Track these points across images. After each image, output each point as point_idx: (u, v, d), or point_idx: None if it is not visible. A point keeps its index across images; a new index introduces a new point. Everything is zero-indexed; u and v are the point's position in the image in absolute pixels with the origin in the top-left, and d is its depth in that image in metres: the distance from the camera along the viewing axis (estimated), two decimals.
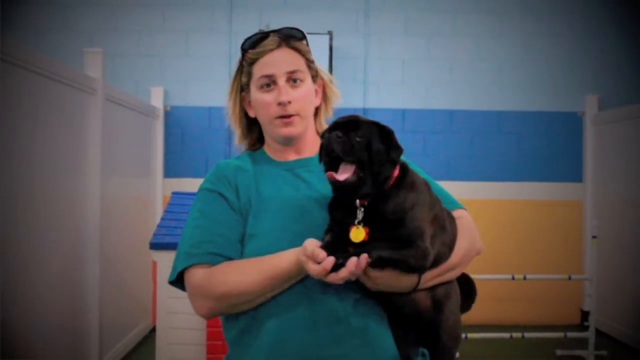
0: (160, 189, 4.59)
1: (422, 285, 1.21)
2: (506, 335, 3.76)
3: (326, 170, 1.18)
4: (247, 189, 1.34)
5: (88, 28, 4.66)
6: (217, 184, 1.35)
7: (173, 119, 4.69)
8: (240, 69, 1.42)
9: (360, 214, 1.16)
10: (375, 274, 1.17)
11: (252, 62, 1.37)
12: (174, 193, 3.20)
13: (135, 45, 4.70)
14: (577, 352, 3.83)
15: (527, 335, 3.76)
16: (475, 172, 4.71)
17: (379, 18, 4.75)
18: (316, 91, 1.42)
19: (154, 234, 2.82)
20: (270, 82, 1.34)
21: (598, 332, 3.96)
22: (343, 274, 1.09)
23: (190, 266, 1.27)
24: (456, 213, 1.35)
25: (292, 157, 1.40)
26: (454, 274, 1.29)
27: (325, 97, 1.45)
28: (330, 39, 4.52)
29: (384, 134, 1.19)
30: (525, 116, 4.74)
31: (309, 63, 1.39)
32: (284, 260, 1.20)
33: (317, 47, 5.00)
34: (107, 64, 3.47)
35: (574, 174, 4.74)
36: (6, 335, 2.27)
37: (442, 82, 4.75)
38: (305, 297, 1.23)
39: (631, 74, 4.75)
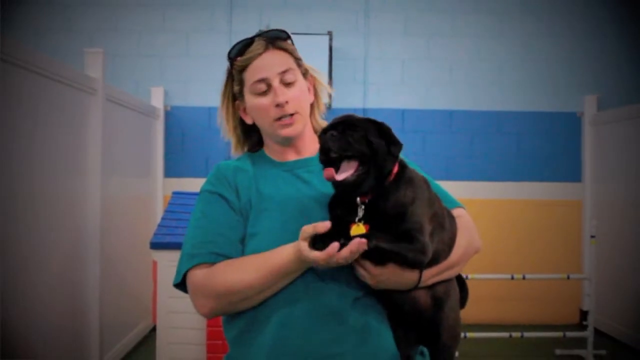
0: (161, 189, 4.59)
1: (423, 283, 1.21)
2: (505, 334, 3.76)
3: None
4: (248, 190, 1.34)
5: (88, 28, 4.66)
6: (217, 186, 1.36)
7: (173, 119, 4.69)
8: (229, 78, 1.41)
9: (360, 212, 1.17)
10: (377, 270, 1.17)
11: (242, 69, 1.37)
12: (175, 193, 3.20)
13: (136, 46, 4.70)
14: (576, 352, 3.83)
15: (527, 334, 3.76)
16: (475, 172, 4.71)
17: (378, 18, 4.75)
18: (308, 88, 1.42)
19: (155, 234, 2.82)
20: (265, 87, 1.34)
21: (597, 332, 3.96)
22: (344, 253, 1.09)
23: (191, 267, 1.27)
24: (455, 212, 1.35)
25: (292, 157, 1.40)
26: (453, 273, 1.29)
27: (316, 93, 1.45)
28: (330, 39, 4.52)
29: (382, 130, 1.20)
30: (525, 116, 4.74)
31: (298, 61, 1.39)
32: (282, 255, 1.20)
33: (317, 48, 4.99)
34: (107, 64, 3.47)
35: (573, 174, 4.74)
36: (6, 335, 2.27)
37: (441, 82, 4.75)
38: (305, 296, 1.23)
39: (630, 75, 4.75)
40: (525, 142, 4.74)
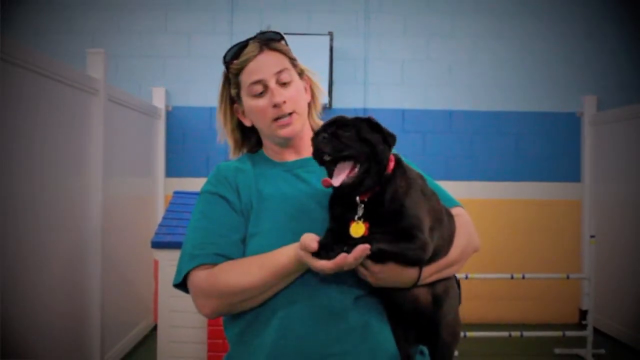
0: (162, 189, 4.59)
1: (422, 280, 1.21)
2: (505, 334, 3.76)
3: (328, 175, 1.19)
4: (248, 190, 1.34)
5: (90, 29, 4.66)
6: (217, 186, 1.35)
7: (174, 119, 4.69)
8: (226, 82, 1.41)
9: (360, 210, 1.16)
10: (377, 268, 1.17)
11: (238, 73, 1.37)
12: (176, 192, 3.20)
13: (137, 46, 4.70)
14: (576, 351, 3.83)
15: (526, 334, 3.76)
16: (474, 172, 4.71)
17: (378, 19, 4.75)
18: (305, 88, 1.42)
19: (156, 233, 2.82)
20: (262, 89, 1.34)
21: (596, 331, 3.96)
22: (349, 260, 1.09)
23: (193, 268, 1.27)
24: (454, 211, 1.35)
25: (291, 157, 1.40)
26: (452, 271, 1.29)
27: (313, 93, 1.45)
28: (331, 40, 4.52)
29: (373, 125, 1.19)
30: (524, 116, 4.74)
31: (293, 61, 1.39)
32: (283, 256, 1.20)
33: (318, 48, 5.01)
34: (109, 65, 3.47)
35: (573, 174, 4.74)
36: (7, 334, 2.27)
37: (441, 83, 4.75)
38: (306, 295, 1.23)
39: (629, 75, 4.74)
40: (524, 142, 4.74)
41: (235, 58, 1.37)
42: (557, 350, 3.87)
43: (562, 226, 4.71)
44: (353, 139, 1.15)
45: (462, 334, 3.62)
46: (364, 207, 1.16)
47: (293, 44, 1.43)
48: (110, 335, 3.42)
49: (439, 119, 4.72)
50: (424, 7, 4.76)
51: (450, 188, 1.46)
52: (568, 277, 3.86)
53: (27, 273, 2.48)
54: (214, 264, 1.26)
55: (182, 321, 2.79)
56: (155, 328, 3.76)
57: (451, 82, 4.75)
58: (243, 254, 1.28)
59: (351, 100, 4.66)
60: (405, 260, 1.17)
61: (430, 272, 1.22)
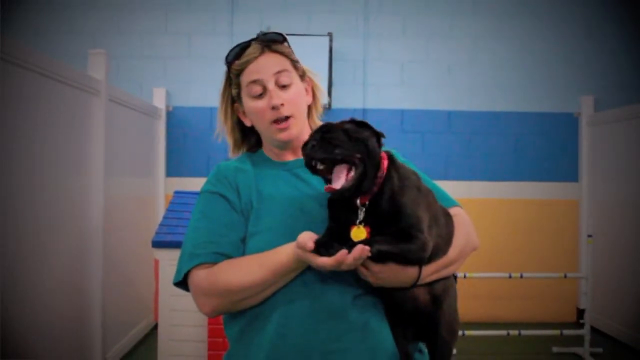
0: (163, 188, 4.59)
1: (422, 280, 1.21)
2: (503, 332, 3.76)
3: (325, 182, 1.19)
4: (248, 189, 1.34)
5: (91, 30, 4.66)
6: (218, 186, 1.35)
7: (175, 119, 4.69)
8: (228, 81, 1.41)
9: (361, 214, 1.16)
10: (377, 268, 1.17)
11: (239, 73, 1.37)
12: (176, 192, 3.20)
13: (138, 47, 4.70)
14: (573, 349, 3.83)
15: (524, 332, 3.76)
16: (473, 171, 4.71)
17: (378, 20, 4.75)
18: (306, 89, 1.42)
19: (156, 233, 2.82)
20: (261, 90, 1.34)
21: (593, 330, 3.97)
22: (349, 260, 1.09)
23: (193, 267, 1.27)
24: (452, 210, 1.35)
25: (290, 157, 1.40)
26: (451, 270, 1.29)
27: (314, 95, 1.45)
28: (330, 41, 4.52)
29: (359, 124, 1.19)
30: (523, 117, 4.74)
31: (295, 63, 1.39)
32: (282, 254, 1.20)
33: (318, 49, 5.00)
34: (110, 66, 3.47)
35: (570, 174, 4.74)
36: (8, 334, 2.27)
37: (440, 83, 4.75)
38: (305, 293, 1.23)
39: (627, 76, 4.75)
40: (523, 142, 4.74)
41: (236, 58, 1.37)
42: (555, 349, 3.88)
43: (559, 226, 4.71)
44: (343, 139, 1.15)
45: (461, 332, 3.62)
46: (365, 211, 1.16)
47: (293, 44, 1.42)
48: (111, 334, 3.42)
49: (438, 119, 4.73)
50: (423, 8, 4.76)
51: (449, 188, 1.46)
52: (566, 277, 3.86)
53: (28, 273, 2.48)
54: (214, 263, 1.26)
55: (182, 320, 2.79)
56: (155, 327, 3.75)
57: (450, 82, 4.75)
58: (243, 253, 1.28)
59: (350, 101, 4.66)
60: (405, 261, 1.17)
61: (429, 272, 1.22)
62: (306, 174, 1.34)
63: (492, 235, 4.55)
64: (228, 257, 1.26)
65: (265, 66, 1.34)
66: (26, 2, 4.64)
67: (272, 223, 1.28)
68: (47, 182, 2.67)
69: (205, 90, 4.66)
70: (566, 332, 3.82)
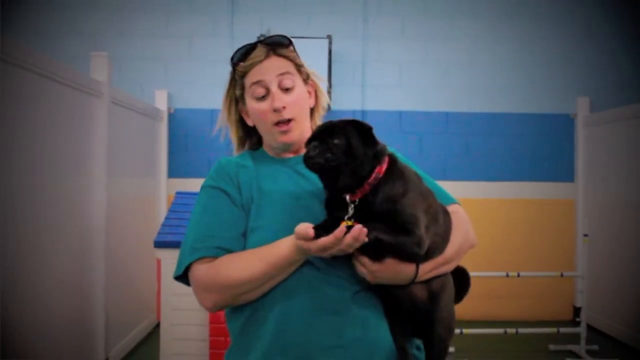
0: (164, 189, 4.59)
1: (419, 278, 1.22)
2: (501, 330, 3.77)
3: (321, 181, 1.21)
4: (249, 185, 1.34)
5: (94, 32, 4.67)
6: (219, 181, 1.35)
7: (177, 121, 4.69)
8: (232, 81, 1.42)
9: (350, 210, 1.17)
10: (375, 267, 1.18)
11: (244, 75, 1.38)
12: (178, 193, 3.20)
13: (140, 49, 4.71)
14: (570, 347, 3.84)
15: (521, 330, 3.77)
16: (471, 172, 4.72)
17: (376, 22, 4.76)
18: (309, 92, 1.42)
19: (158, 233, 2.82)
20: (264, 92, 1.34)
21: (589, 328, 3.97)
22: (347, 239, 1.10)
23: (194, 262, 1.27)
24: (450, 208, 1.36)
25: (290, 155, 1.41)
26: (449, 267, 1.30)
27: (317, 98, 1.45)
28: (330, 43, 4.52)
29: (361, 131, 1.20)
30: (519, 118, 4.75)
31: (299, 67, 1.39)
32: (281, 246, 1.20)
33: (317, 51, 5.00)
34: (112, 68, 3.48)
35: (566, 174, 4.75)
36: (10, 334, 2.27)
37: (438, 85, 4.76)
38: (305, 290, 1.23)
39: (622, 77, 4.76)
40: (519, 143, 4.75)
41: (242, 60, 1.37)
42: (552, 347, 3.89)
43: (556, 225, 4.72)
44: (340, 147, 1.17)
45: (459, 331, 3.63)
46: (356, 208, 1.17)
47: None
48: (114, 333, 3.43)
49: (435, 120, 4.73)
50: (422, 10, 4.76)
51: (447, 188, 1.46)
52: (562, 275, 3.87)
53: (30, 272, 2.49)
54: (215, 257, 1.26)
55: (184, 319, 2.80)
56: (158, 326, 3.77)
57: (448, 84, 4.76)
58: (244, 248, 1.28)
59: (350, 102, 4.67)
60: (401, 254, 1.18)
61: (427, 270, 1.23)
62: (307, 171, 1.35)
63: (489, 235, 4.56)
64: (229, 251, 1.27)
65: (269, 69, 1.35)
66: (27, 3, 4.65)
67: (272, 218, 1.28)
68: (50, 182, 2.68)
69: (206, 92, 4.66)
70: (563, 330, 3.83)
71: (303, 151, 1.39)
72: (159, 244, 2.75)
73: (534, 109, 4.76)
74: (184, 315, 2.79)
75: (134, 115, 3.94)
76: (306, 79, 1.41)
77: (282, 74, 1.34)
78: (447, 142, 4.73)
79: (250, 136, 1.47)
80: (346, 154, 1.17)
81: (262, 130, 1.39)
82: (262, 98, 1.35)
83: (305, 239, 1.13)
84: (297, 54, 1.40)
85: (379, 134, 1.22)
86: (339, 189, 1.19)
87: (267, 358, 1.23)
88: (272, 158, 1.41)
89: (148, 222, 4.24)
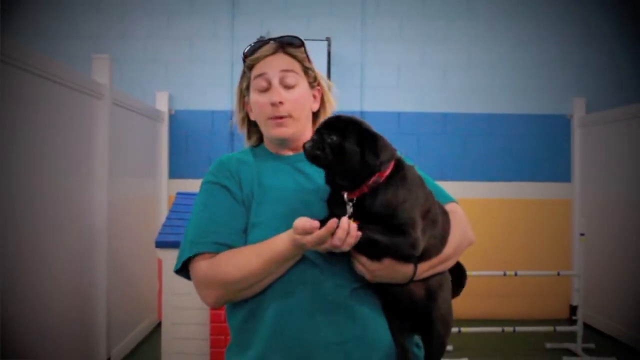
0: (166, 190, 4.59)
1: (417, 276, 1.22)
2: (498, 329, 3.77)
3: (333, 184, 1.22)
4: (250, 181, 1.34)
5: (96, 35, 4.67)
6: (220, 177, 1.35)
7: (177, 122, 4.69)
8: (243, 75, 1.43)
9: (349, 209, 1.17)
10: (373, 267, 1.18)
11: (251, 67, 1.38)
12: (179, 193, 3.20)
13: (141, 52, 4.71)
14: (566, 345, 3.84)
15: (518, 329, 3.77)
16: (468, 172, 4.72)
17: (375, 25, 4.76)
18: (314, 96, 1.42)
19: (160, 233, 2.82)
20: (266, 85, 1.34)
21: (586, 326, 3.98)
22: (339, 232, 1.10)
23: (195, 257, 1.27)
24: (448, 207, 1.36)
25: (290, 153, 1.40)
26: (447, 266, 1.30)
27: (323, 102, 1.45)
28: (329, 45, 4.52)
29: (364, 137, 1.19)
30: (516, 118, 4.75)
31: (306, 69, 1.39)
32: (279, 242, 1.20)
33: (316, 53, 5.03)
34: (114, 70, 3.48)
35: (563, 174, 4.75)
36: (14, 333, 2.27)
37: (435, 86, 4.76)
38: (303, 287, 1.23)
39: (618, 78, 4.77)
40: (516, 144, 4.75)
41: (251, 54, 1.38)
42: (549, 345, 3.89)
43: (552, 225, 4.72)
44: (334, 146, 1.18)
45: (457, 329, 3.63)
46: (354, 207, 1.17)
47: None
48: (116, 332, 3.43)
49: (433, 121, 4.74)
50: (419, 13, 4.77)
51: (445, 188, 1.46)
52: (559, 274, 3.87)
53: (33, 272, 2.49)
54: (215, 253, 1.26)
55: (185, 318, 2.80)
56: (159, 325, 3.76)
57: (445, 85, 4.76)
58: (245, 244, 1.28)
59: (348, 104, 4.67)
60: (395, 254, 1.18)
61: (424, 269, 1.24)
62: (307, 168, 1.35)
63: (487, 235, 4.56)
64: (229, 247, 1.27)
65: (274, 64, 1.35)
66: (30, 7, 4.66)
67: (273, 214, 1.28)
68: (53, 183, 2.68)
69: (206, 93, 4.66)
70: (559, 328, 3.84)
71: (301, 150, 1.39)
72: (160, 244, 2.75)
73: (531, 110, 4.76)
74: (185, 315, 2.79)
75: (135, 117, 3.94)
76: (312, 81, 1.40)
77: (285, 71, 1.34)
78: (445, 143, 4.73)
79: (254, 132, 1.47)
80: (335, 152, 1.17)
81: (259, 122, 1.39)
82: (264, 91, 1.35)
83: (303, 232, 1.13)
84: (307, 57, 1.40)
85: None
86: (334, 185, 1.20)
87: (266, 355, 1.23)
88: (273, 155, 1.40)
89: (149, 223, 4.24)
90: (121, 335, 3.55)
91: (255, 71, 1.36)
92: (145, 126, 4.22)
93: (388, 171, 1.20)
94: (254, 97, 1.37)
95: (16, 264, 2.30)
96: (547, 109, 4.77)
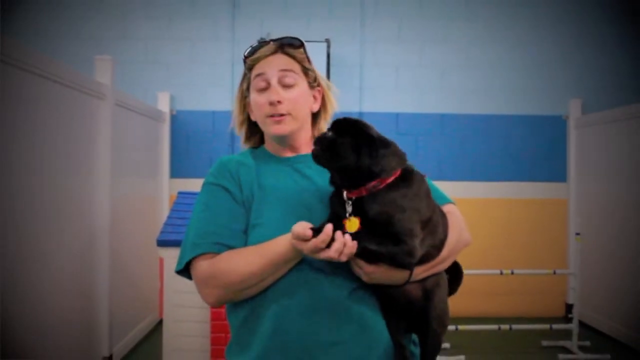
0: (167, 189, 4.59)
1: (414, 278, 1.22)
2: (495, 327, 3.77)
3: (333, 182, 1.24)
4: (250, 183, 1.34)
5: (98, 37, 4.67)
6: (220, 178, 1.35)
7: (179, 122, 4.69)
8: (244, 76, 1.43)
9: (349, 207, 1.17)
10: (370, 269, 1.18)
11: (251, 68, 1.39)
12: (180, 193, 3.20)
13: (143, 53, 4.71)
14: (562, 343, 3.85)
15: (515, 327, 3.77)
16: (466, 172, 4.72)
17: (373, 27, 4.76)
18: (315, 97, 1.42)
19: (161, 232, 2.82)
20: (265, 85, 1.34)
21: (581, 324, 3.98)
22: (336, 245, 1.10)
23: (196, 258, 1.27)
24: (445, 208, 1.36)
25: (290, 154, 1.40)
26: (443, 266, 1.30)
27: (324, 103, 1.45)
28: (328, 47, 4.52)
29: (365, 140, 1.18)
30: (513, 119, 4.75)
31: (305, 69, 1.39)
32: (279, 244, 1.20)
33: (315, 54, 5.03)
34: (116, 71, 3.47)
35: (559, 174, 4.76)
36: (16, 332, 2.27)
37: (433, 87, 4.76)
38: (302, 287, 1.23)
39: (612, 80, 4.77)
40: (513, 144, 4.75)
41: (251, 54, 1.38)
42: (545, 342, 3.89)
43: (549, 224, 4.72)
44: (326, 145, 1.20)
45: (454, 327, 3.63)
46: (353, 206, 1.17)
47: None
48: (118, 329, 3.43)
49: (431, 121, 4.74)
50: (418, 14, 4.77)
51: (443, 188, 1.46)
52: (555, 273, 3.87)
53: (37, 271, 2.49)
54: (216, 253, 1.26)
55: (186, 316, 2.80)
56: (160, 322, 3.76)
57: (443, 86, 4.76)
58: (245, 244, 1.28)
59: (347, 105, 4.67)
60: (392, 262, 1.17)
61: (421, 271, 1.24)
62: (306, 169, 1.35)
63: (484, 234, 4.56)
64: (229, 247, 1.27)
65: (273, 64, 1.35)
66: (31, 7, 4.65)
67: (273, 215, 1.28)
68: (55, 183, 2.68)
69: (207, 94, 4.66)
70: (555, 326, 3.84)
71: (302, 151, 1.39)
72: (161, 243, 2.75)
73: (528, 111, 4.76)
74: (186, 312, 2.79)
75: (137, 117, 3.94)
76: (312, 82, 1.40)
77: (284, 70, 1.34)
78: (443, 143, 4.73)
79: (254, 133, 1.46)
80: (328, 148, 1.18)
81: (259, 122, 1.39)
82: (262, 90, 1.35)
83: (300, 238, 1.13)
84: (307, 58, 1.39)
85: None
86: (332, 182, 1.22)
87: (266, 354, 1.23)
88: (273, 156, 1.40)
89: (151, 222, 4.24)
90: (123, 332, 3.55)
91: (255, 71, 1.36)
92: (147, 126, 4.22)
93: (391, 179, 1.18)
94: (253, 96, 1.37)
95: (17, 264, 2.30)
96: (544, 110, 4.77)
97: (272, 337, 1.23)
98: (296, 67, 1.37)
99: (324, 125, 1.45)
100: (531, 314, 4.58)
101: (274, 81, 1.33)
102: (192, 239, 1.29)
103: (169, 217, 2.96)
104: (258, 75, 1.35)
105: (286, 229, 1.20)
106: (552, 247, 4.70)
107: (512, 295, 4.64)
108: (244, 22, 4.70)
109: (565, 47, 4.78)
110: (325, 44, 4.51)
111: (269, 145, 1.43)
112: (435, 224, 1.24)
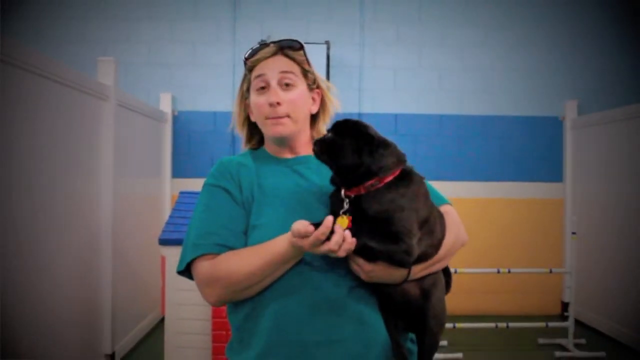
0: (169, 189, 4.59)
1: (412, 277, 1.22)
2: (492, 325, 3.77)
3: (333, 182, 1.25)
4: (250, 184, 1.34)
5: (102, 39, 4.67)
6: (220, 179, 1.35)
7: (181, 123, 4.69)
8: (244, 77, 1.43)
9: (346, 205, 1.17)
10: (368, 267, 1.18)
11: (251, 69, 1.38)
12: (182, 192, 3.20)
13: (146, 55, 4.71)
14: (558, 341, 3.85)
15: (512, 325, 3.77)
16: (463, 172, 4.72)
17: (373, 29, 4.76)
18: (314, 99, 1.41)
19: (163, 231, 2.82)
20: (265, 86, 1.34)
21: (577, 322, 3.98)
22: (335, 237, 1.10)
23: (197, 258, 1.27)
24: (443, 209, 1.36)
25: (289, 156, 1.40)
26: (440, 266, 1.30)
27: (323, 105, 1.44)
28: (328, 49, 4.52)
29: (365, 140, 1.19)
30: (510, 120, 4.75)
31: (305, 71, 1.39)
32: (279, 244, 1.20)
33: (315, 56, 5.01)
34: (119, 72, 3.48)
35: (555, 175, 4.76)
36: (19, 330, 2.27)
37: (431, 89, 4.76)
38: (301, 286, 1.23)
39: (608, 81, 4.77)
40: (510, 145, 4.75)
41: (252, 56, 1.38)
42: (541, 340, 3.89)
43: (545, 223, 4.72)
44: (325, 144, 1.21)
45: (451, 325, 3.63)
46: (351, 205, 1.17)
47: None
48: (121, 326, 3.42)
49: (429, 122, 4.74)
50: (416, 18, 4.77)
51: (440, 188, 1.47)
52: (551, 272, 3.87)
53: (41, 270, 2.49)
54: (217, 254, 1.26)
55: (188, 314, 2.80)
56: (162, 320, 3.76)
57: (441, 88, 4.77)
58: (245, 245, 1.28)
59: (347, 106, 4.66)
60: (389, 261, 1.17)
61: (418, 270, 1.23)
62: (306, 171, 1.35)
63: (481, 233, 4.56)
64: (230, 248, 1.26)
65: (272, 65, 1.35)
66: (38, 10, 4.65)
67: (273, 217, 1.28)
68: (58, 182, 2.68)
69: (209, 95, 4.66)
70: (551, 324, 3.84)
71: (302, 152, 1.39)
72: (163, 242, 2.75)
73: (524, 112, 4.77)
74: (188, 310, 2.79)
75: (139, 118, 3.94)
76: (312, 84, 1.40)
77: (284, 72, 1.34)
78: (440, 144, 4.73)
79: (254, 135, 1.46)
80: (328, 148, 1.19)
81: (259, 123, 1.39)
82: (262, 91, 1.35)
83: (301, 235, 1.12)
84: (306, 60, 1.39)
85: None
86: (332, 181, 1.22)
87: (266, 352, 1.23)
88: (272, 157, 1.40)
89: (153, 221, 4.24)
90: (125, 330, 3.55)
91: (255, 72, 1.36)
92: (149, 127, 4.21)
93: (390, 178, 1.19)
94: (253, 97, 1.37)
95: (19, 264, 2.29)
96: (540, 111, 4.77)
97: (272, 335, 1.23)
98: (296, 69, 1.36)
99: (323, 127, 1.45)
100: (528, 312, 4.58)
101: (273, 83, 1.33)
102: (192, 240, 1.28)
103: (171, 217, 2.96)
104: (258, 76, 1.35)
105: (286, 229, 1.19)
106: (548, 246, 4.71)
107: (509, 294, 4.64)
108: (245, 25, 4.71)
109: (561, 50, 4.79)
110: (325, 46, 4.52)
111: (268, 147, 1.43)
112: (432, 224, 1.24)
